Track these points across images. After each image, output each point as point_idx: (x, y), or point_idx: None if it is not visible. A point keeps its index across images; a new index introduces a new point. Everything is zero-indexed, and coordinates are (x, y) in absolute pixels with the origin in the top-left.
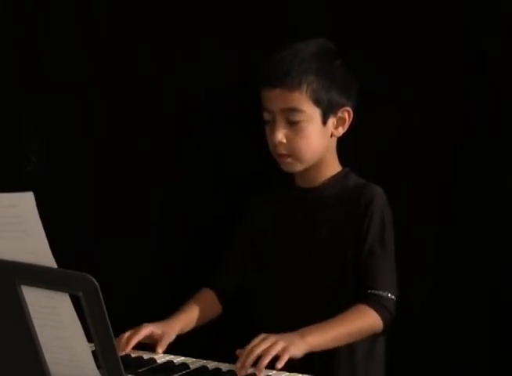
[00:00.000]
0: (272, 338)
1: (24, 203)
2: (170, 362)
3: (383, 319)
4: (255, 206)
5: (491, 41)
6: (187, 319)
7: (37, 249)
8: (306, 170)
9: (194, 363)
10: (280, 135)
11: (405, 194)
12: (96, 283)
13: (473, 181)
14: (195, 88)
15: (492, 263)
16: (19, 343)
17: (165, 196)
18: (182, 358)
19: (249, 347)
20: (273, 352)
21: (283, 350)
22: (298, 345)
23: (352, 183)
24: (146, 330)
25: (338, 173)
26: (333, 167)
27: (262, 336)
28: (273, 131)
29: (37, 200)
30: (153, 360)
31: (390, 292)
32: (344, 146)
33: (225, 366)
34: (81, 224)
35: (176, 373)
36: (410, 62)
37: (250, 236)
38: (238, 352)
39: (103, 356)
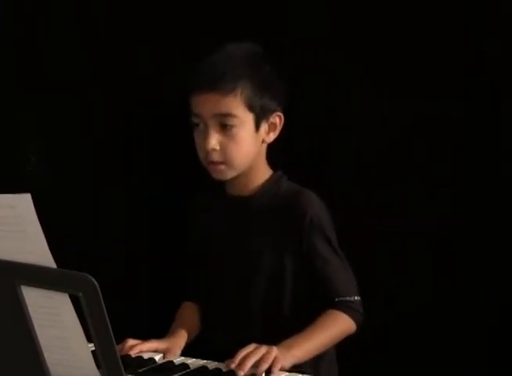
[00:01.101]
0: (266, 347)
1: (22, 204)
2: (170, 362)
3: (355, 321)
4: (195, 210)
5: (491, 41)
6: (187, 333)
7: (36, 249)
8: (236, 177)
9: (194, 363)
10: (213, 142)
11: (404, 194)
12: (96, 283)
13: (473, 181)
14: None
15: (492, 264)
16: (19, 343)
17: (165, 196)
18: (182, 358)
19: (244, 352)
20: (270, 361)
21: (275, 359)
22: (287, 357)
23: (284, 189)
24: (152, 345)
25: (269, 179)
26: (263, 173)
27: (254, 345)
28: (206, 137)
29: (37, 200)
30: (152, 360)
31: (355, 295)
32: (344, 146)
33: (225, 367)
34: (81, 224)
35: (176, 373)
36: (410, 62)
37: (197, 238)
38: (227, 362)
39: (103, 356)
